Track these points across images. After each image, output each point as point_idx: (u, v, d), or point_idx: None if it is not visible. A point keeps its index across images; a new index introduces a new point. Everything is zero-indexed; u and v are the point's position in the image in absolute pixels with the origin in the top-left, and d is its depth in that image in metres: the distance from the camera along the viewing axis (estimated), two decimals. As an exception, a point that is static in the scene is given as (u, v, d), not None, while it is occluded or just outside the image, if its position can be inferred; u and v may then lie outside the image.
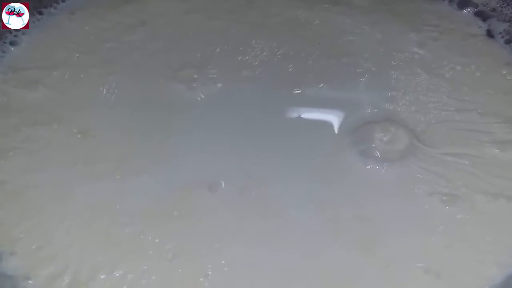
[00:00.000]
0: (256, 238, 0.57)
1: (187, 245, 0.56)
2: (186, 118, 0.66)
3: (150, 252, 0.56)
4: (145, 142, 0.63)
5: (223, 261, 0.55)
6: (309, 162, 0.62)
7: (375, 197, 0.60)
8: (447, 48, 0.73)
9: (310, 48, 0.73)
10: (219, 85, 0.69)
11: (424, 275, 0.55)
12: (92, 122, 0.65)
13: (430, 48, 0.73)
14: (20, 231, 0.57)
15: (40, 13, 0.75)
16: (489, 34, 0.76)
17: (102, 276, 0.54)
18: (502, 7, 0.77)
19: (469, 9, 0.79)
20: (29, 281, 0.54)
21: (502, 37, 0.75)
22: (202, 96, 0.68)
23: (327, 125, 0.66)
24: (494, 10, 0.77)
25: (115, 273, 0.54)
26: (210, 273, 0.55)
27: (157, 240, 0.56)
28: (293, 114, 0.67)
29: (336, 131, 0.65)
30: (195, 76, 0.69)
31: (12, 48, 0.72)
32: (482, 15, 0.78)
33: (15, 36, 0.72)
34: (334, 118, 0.67)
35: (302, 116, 0.67)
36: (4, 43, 0.72)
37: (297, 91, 0.69)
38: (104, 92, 0.68)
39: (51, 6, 0.76)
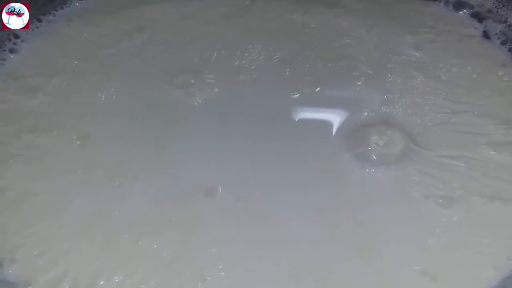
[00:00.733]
0: (253, 243, 0.57)
1: (185, 251, 0.57)
2: (183, 124, 0.66)
3: (149, 257, 0.56)
4: (144, 148, 0.64)
5: (221, 266, 0.56)
6: (306, 166, 0.63)
7: (372, 200, 0.60)
8: (443, 50, 0.73)
9: (307, 52, 0.73)
10: (216, 89, 0.69)
11: (421, 278, 0.55)
12: (91, 128, 0.65)
13: (426, 50, 0.73)
14: (21, 238, 0.57)
15: (39, 20, 0.76)
16: (485, 35, 0.76)
17: (101, 282, 0.55)
18: (498, 8, 0.77)
19: (465, 11, 0.79)
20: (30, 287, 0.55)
21: (498, 38, 0.75)
22: (200, 101, 0.68)
23: (324, 129, 0.66)
24: (490, 11, 0.77)
25: (114, 278, 0.55)
26: (208, 278, 0.55)
27: (155, 246, 0.57)
28: (290, 118, 0.67)
29: (332, 135, 0.66)
30: (192, 81, 0.69)
31: (11, 56, 0.72)
32: (478, 17, 0.78)
33: (15, 43, 0.73)
34: (330, 122, 0.67)
35: (299, 120, 0.67)
36: (4, 50, 0.72)
37: (294, 95, 0.69)
38: (103, 98, 0.68)
39: (49, 13, 0.77)
